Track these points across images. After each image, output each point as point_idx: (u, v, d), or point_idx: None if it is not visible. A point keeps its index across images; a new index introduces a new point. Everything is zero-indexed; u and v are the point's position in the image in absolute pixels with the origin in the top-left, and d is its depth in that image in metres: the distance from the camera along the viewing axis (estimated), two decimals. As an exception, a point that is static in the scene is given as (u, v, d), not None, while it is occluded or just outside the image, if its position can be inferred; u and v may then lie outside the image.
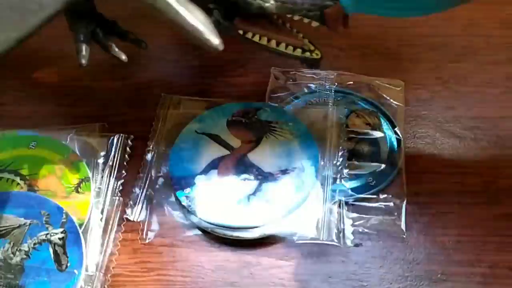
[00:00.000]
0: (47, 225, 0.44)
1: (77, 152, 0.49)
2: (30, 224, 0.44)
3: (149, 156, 0.49)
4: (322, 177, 0.46)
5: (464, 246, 0.44)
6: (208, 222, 0.44)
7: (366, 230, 0.45)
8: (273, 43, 0.47)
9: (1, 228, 0.44)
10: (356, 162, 0.48)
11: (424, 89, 0.54)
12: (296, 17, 0.46)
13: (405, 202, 0.46)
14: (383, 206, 0.46)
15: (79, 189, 0.47)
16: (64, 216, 0.44)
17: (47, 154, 0.49)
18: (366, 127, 0.50)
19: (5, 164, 0.48)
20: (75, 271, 0.42)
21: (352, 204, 0.45)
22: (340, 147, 0.48)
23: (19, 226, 0.44)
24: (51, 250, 0.43)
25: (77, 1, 0.40)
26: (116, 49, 0.52)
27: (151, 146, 0.50)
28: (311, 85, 0.53)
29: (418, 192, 0.47)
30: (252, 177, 0.46)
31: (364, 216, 0.45)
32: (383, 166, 0.48)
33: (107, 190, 0.47)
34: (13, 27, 0.37)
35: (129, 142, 0.50)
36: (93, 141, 0.49)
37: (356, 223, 0.45)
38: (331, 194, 0.45)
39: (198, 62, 0.57)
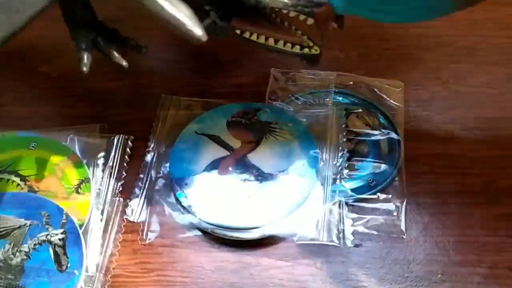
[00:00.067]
0: (47, 226, 0.44)
1: (77, 153, 0.49)
2: (30, 224, 0.44)
3: (149, 157, 0.49)
4: (322, 177, 0.47)
5: (464, 246, 0.44)
6: (208, 223, 0.44)
7: (366, 231, 0.45)
8: (271, 41, 0.47)
9: (1, 229, 0.44)
10: (356, 163, 0.48)
11: (424, 90, 0.54)
12: (292, 14, 0.46)
13: (405, 202, 0.46)
14: (383, 207, 0.46)
15: (79, 190, 0.47)
16: (64, 217, 0.45)
17: (47, 155, 0.49)
18: (366, 128, 0.50)
19: (5, 165, 0.48)
20: (75, 271, 0.42)
21: (352, 205, 0.45)
22: (340, 148, 0.48)
23: (19, 227, 0.44)
24: (51, 251, 0.43)
25: None
26: (117, 56, 0.52)
27: (151, 147, 0.50)
28: (311, 85, 0.53)
29: (418, 192, 0.47)
30: (252, 177, 0.46)
31: (364, 216, 0.45)
32: (383, 166, 0.48)
33: (107, 190, 0.47)
34: None
35: (129, 142, 0.50)
36: (93, 142, 0.49)
37: (356, 223, 0.45)
38: (331, 195, 0.45)
39: (198, 63, 0.57)
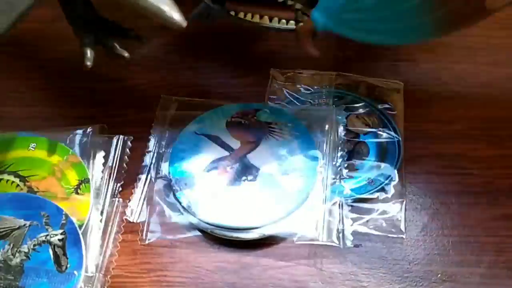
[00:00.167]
0: (47, 227, 0.44)
1: (77, 154, 0.49)
2: (30, 225, 0.44)
3: (148, 157, 0.49)
4: (321, 177, 0.46)
5: (464, 246, 0.44)
6: (207, 223, 0.44)
7: (365, 231, 0.44)
8: (265, 19, 0.47)
9: (1, 230, 0.44)
10: (355, 163, 0.48)
11: (424, 90, 0.54)
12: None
13: (405, 202, 0.46)
14: (382, 207, 0.46)
15: (78, 191, 0.47)
16: (63, 218, 0.44)
17: (47, 155, 0.49)
18: (365, 128, 0.50)
19: (5, 166, 0.48)
20: (75, 272, 0.42)
21: (352, 205, 0.45)
22: (340, 148, 0.48)
23: (19, 228, 0.44)
24: (51, 252, 0.43)
25: None
26: (119, 48, 0.53)
27: (151, 147, 0.50)
28: (310, 85, 0.53)
29: (418, 192, 0.47)
30: (251, 178, 0.46)
31: (364, 216, 0.45)
32: (382, 166, 0.48)
33: (106, 191, 0.47)
34: None
35: (129, 143, 0.50)
36: (92, 143, 0.49)
37: (356, 223, 0.45)
38: (330, 195, 0.45)
39: (198, 63, 0.57)
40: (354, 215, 0.45)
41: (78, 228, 0.44)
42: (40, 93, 0.56)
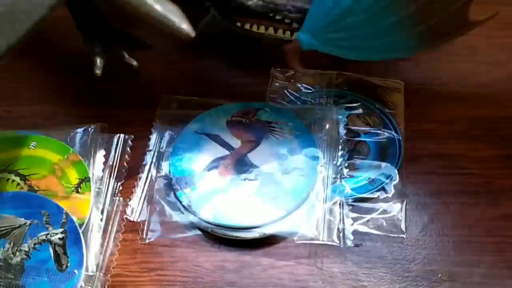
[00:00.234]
0: (47, 225, 0.44)
1: (77, 152, 0.49)
2: (30, 224, 0.44)
3: (149, 156, 0.49)
4: (322, 177, 0.46)
5: (464, 246, 0.44)
6: (208, 222, 0.44)
7: (366, 230, 0.45)
8: (271, 30, 0.47)
9: (1, 228, 0.44)
10: (356, 162, 0.48)
11: (424, 89, 0.54)
12: (278, 17, 0.46)
13: (405, 202, 0.46)
14: (383, 206, 0.46)
15: (79, 189, 0.47)
16: (64, 216, 0.44)
17: (47, 154, 0.49)
18: (366, 127, 0.50)
19: (5, 164, 0.48)
20: (75, 271, 0.42)
21: (352, 204, 0.45)
22: (340, 147, 0.48)
23: (19, 226, 0.44)
24: (51, 250, 0.43)
25: (61, 3, 0.41)
26: (127, 57, 0.54)
27: (151, 146, 0.50)
28: (311, 85, 0.53)
29: (418, 192, 0.47)
30: (252, 177, 0.46)
31: (364, 216, 0.45)
32: (383, 166, 0.48)
33: (107, 190, 0.47)
34: (2, 36, 0.37)
35: (129, 142, 0.50)
36: (93, 141, 0.49)
37: (356, 223, 0.45)
38: (331, 194, 0.45)
39: (198, 62, 0.57)
40: (355, 215, 0.45)
41: (78, 227, 0.44)
42: (41, 91, 0.56)
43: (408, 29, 0.42)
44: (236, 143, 0.49)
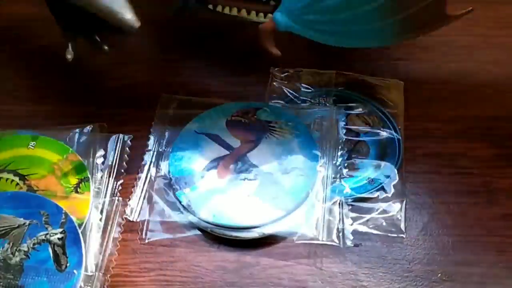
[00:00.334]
0: (46, 225, 0.44)
1: (77, 152, 0.49)
2: (29, 224, 0.44)
3: (148, 156, 0.49)
4: (321, 177, 0.46)
5: (464, 246, 0.44)
6: (207, 222, 0.44)
7: (365, 230, 0.44)
8: (243, 13, 0.46)
9: (1, 228, 0.44)
10: (355, 162, 0.48)
11: (424, 89, 0.54)
12: None
13: (405, 201, 0.46)
14: (382, 206, 0.46)
15: (78, 189, 0.47)
16: (63, 216, 0.44)
17: (47, 154, 0.49)
18: (365, 127, 0.50)
19: (4, 164, 0.48)
20: (75, 271, 0.42)
21: (352, 204, 0.45)
22: (340, 147, 0.48)
23: (19, 226, 0.44)
24: (50, 250, 0.43)
25: None
26: (99, 41, 0.52)
27: (151, 146, 0.50)
28: (311, 84, 0.53)
29: (418, 192, 0.47)
30: (251, 177, 0.46)
31: (364, 216, 0.45)
32: (383, 165, 0.48)
33: (106, 190, 0.47)
34: None
35: (129, 142, 0.50)
36: (92, 141, 0.49)
37: (356, 223, 0.45)
38: (330, 194, 0.45)
39: (198, 62, 0.57)
40: (354, 215, 0.45)
41: (77, 227, 0.44)
42: (40, 91, 0.56)
43: (386, 17, 0.42)
44: (235, 143, 0.49)
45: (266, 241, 0.45)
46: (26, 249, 0.43)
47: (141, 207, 0.46)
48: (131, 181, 0.48)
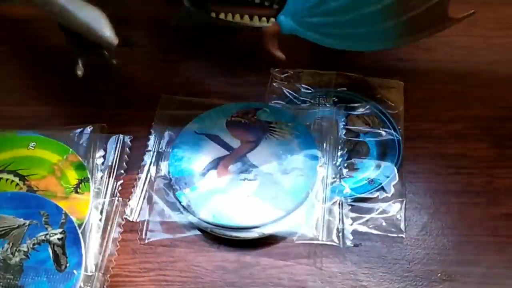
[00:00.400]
0: (46, 226, 0.44)
1: (77, 153, 0.49)
2: (29, 224, 0.44)
3: (148, 157, 0.49)
4: (321, 177, 0.46)
5: (464, 246, 0.44)
6: (207, 222, 0.44)
7: (365, 230, 0.44)
8: (246, 19, 0.47)
9: (0, 229, 0.44)
10: (355, 162, 0.48)
11: (424, 89, 0.54)
12: (257, 1, 0.46)
13: (404, 201, 0.46)
14: (382, 206, 0.46)
15: (78, 190, 0.47)
16: (63, 217, 0.44)
17: (46, 154, 0.49)
18: (365, 127, 0.50)
19: (4, 165, 0.48)
20: (74, 271, 0.42)
21: (352, 204, 0.45)
22: (340, 147, 0.48)
23: (18, 227, 0.44)
24: (50, 251, 0.43)
25: None
26: (108, 56, 0.52)
27: (151, 147, 0.50)
28: (311, 85, 0.53)
29: (418, 192, 0.47)
30: (251, 177, 0.46)
31: (364, 216, 0.45)
32: (382, 166, 0.48)
33: (106, 190, 0.47)
34: None
35: (129, 142, 0.50)
36: (92, 142, 0.49)
37: (356, 223, 0.45)
38: (330, 194, 0.45)
39: (198, 62, 0.57)
40: (354, 215, 0.45)
41: (77, 227, 0.44)
42: (40, 92, 0.56)
43: (390, 19, 0.43)
44: (235, 143, 0.49)
45: (266, 241, 0.44)
46: (26, 249, 0.43)
47: (141, 207, 0.46)
48: (131, 182, 0.48)
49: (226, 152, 0.48)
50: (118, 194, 0.47)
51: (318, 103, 0.52)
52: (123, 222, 0.45)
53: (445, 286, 0.42)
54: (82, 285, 0.42)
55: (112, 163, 0.48)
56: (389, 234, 0.44)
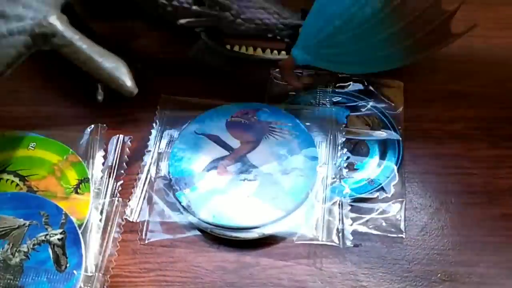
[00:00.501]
0: (46, 226, 0.44)
1: (76, 153, 0.49)
2: (29, 225, 0.44)
3: (148, 157, 0.49)
4: (321, 177, 0.46)
5: (464, 246, 0.44)
6: (207, 223, 0.44)
7: (365, 230, 0.44)
8: (259, 51, 0.48)
9: (1, 229, 0.44)
10: (355, 162, 0.48)
11: (424, 89, 0.54)
12: (269, 35, 0.48)
13: (404, 202, 0.46)
14: (382, 206, 0.46)
15: (78, 190, 0.47)
16: (63, 217, 0.44)
17: (47, 155, 0.49)
18: (365, 128, 0.50)
19: (4, 165, 0.48)
20: (75, 272, 0.42)
21: (352, 204, 0.45)
22: (340, 147, 0.48)
23: (19, 227, 0.44)
24: (50, 251, 0.43)
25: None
26: None
27: (150, 147, 0.50)
28: (310, 85, 0.53)
29: (418, 192, 0.47)
30: (251, 177, 0.46)
31: (364, 216, 0.45)
32: (382, 166, 0.48)
33: (106, 190, 0.47)
34: None
35: (129, 142, 0.50)
36: (92, 142, 0.49)
37: (356, 223, 0.45)
38: (330, 194, 0.45)
39: (198, 63, 0.57)
40: (354, 215, 0.45)
41: (77, 228, 0.44)
42: (40, 92, 0.56)
43: (396, 44, 0.45)
44: (235, 143, 0.49)
45: (266, 242, 0.45)
46: (26, 249, 0.43)
47: (141, 208, 0.46)
48: (131, 182, 0.48)
49: (226, 153, 0.48)
50: (118, 194, 0.47)
51: (318, 103, 0.52)
52: (123, 223, 0.46)
53: (445, 286, 0.42)
54: (82, 286, 0.42)
55: (112, 163, 0.48)
56: (389, 235, 0.44)
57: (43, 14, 0.44)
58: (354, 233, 0.44)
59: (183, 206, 0.45)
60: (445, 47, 0.46)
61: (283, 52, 0.49)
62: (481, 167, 0.48)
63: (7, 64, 0.44)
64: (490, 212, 0.46)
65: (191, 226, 0.45)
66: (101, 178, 0.48)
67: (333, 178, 0.46)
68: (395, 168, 0.47)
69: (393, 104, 0.52)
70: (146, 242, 0.45)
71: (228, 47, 0.49)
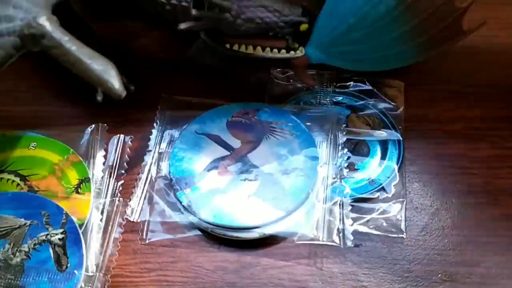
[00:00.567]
0: (47, 226, 0.44)
1: (77, 153, 0.49)
2: (30, 224, 0.44)
3: (149, 157, 0.49)
4: (322, 177, 0.46)
5: (464, 246, 0.44)
6: (208, 223, 0.44)
7: (366, 230, 0.45)
8: (259, 50, 0.48)
9: (1, 229, 0.44)
10: (356, 162, 0.48)
11: (424, 89, 0.54)
12: (270, 33, 0.48)
13: (405, 202, 0.46)
14: (383, 206, 0.46)
15: (79, 190, 0.47)
16: (64, 217, 0.45)
17: (47, 154, 0.49)
18: (366, 128, 0.50)
19: (5, 165, 0.48)
20: (75, 271, 0.42)
21: (352, 205, 0.45)
22: (340, 148, 0.48)
23: (19, 227, 0.44)
24: (51, 251, 0.43)
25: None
26: (126, 82, 0.52)
27: (151, 147, 0.50)
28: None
29: (418, 192, 0.47)
30: (252, 177, 0.46)
31: (364, 216, 0.45)
32: (383, 166, 0.48)
33: (107, 190, 0.47)
34: None
35: (129, 142, 0.50)
36: (93, 142, 0.49)
37: (356, 223, 0.45)
38: (331, 194, 0.45)
39: (198, 62, 0.57)
40: (355, 215, 0.45)
41: (78, 228, 0.44)
42: (41, 92, 0.56)
43: (410, 41, 0.45)
44: (236, 143, 0.49)
45: (266, 242, 0.45)
46: (26, 249, 0.43)
47: (141, 208, 0.46)
48: (132, 182, 0.48)
49: (227, 152, 0.48)
50: (118, 194, 0.47)
51: (318, 103, 0.52)
52: (124, 222, 0.46)
53: (445, 287, 0.42)
54: (83, 285, 0.42)
55: (113, 163, 0.49)
56: (389, 235, 0.44)
57: (33, 15, 0.44)
58: (355, 233, 0.44)
59: (183, 206, 0.45)
60: (456, 43, 0.47)
61: (283, 51, 0.49)
62: (481, 167, 0.48)
63: None
64: (490, 212, 0.46)
65: (192, 226, 0.45)
66: (102, 178, 0.48)
67: (334, 178, 0.46)
68: (396, 168, 0.47)
69: (393, 104, 0.52)
70: (147, 242, 0.45)
71: (228, 46, 0.49)
